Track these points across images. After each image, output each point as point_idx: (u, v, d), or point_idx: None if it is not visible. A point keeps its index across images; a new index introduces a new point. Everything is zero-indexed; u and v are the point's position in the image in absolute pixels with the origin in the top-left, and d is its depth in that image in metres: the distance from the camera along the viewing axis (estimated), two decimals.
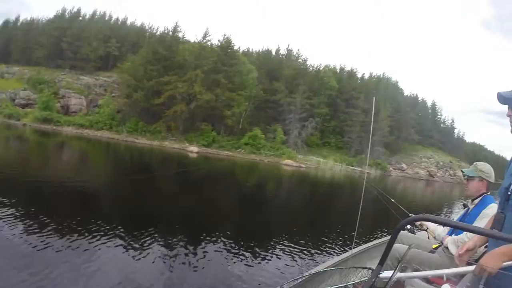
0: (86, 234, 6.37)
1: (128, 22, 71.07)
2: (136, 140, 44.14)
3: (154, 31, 67.65)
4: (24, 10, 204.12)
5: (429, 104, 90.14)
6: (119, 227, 7.09)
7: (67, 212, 7.91)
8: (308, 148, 56.07)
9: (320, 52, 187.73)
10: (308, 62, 68.74)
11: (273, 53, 67.67)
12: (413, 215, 2.29)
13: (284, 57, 66.97)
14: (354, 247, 4.70)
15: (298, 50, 79.58)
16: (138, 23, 72.58)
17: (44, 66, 55.91)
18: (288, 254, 7.22)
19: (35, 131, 38.25)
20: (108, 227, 6.91)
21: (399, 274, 1.66)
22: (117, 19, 70.11)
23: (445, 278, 1.79)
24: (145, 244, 6.35)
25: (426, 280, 2.00)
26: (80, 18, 64.67)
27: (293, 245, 7.79)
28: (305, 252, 7.57)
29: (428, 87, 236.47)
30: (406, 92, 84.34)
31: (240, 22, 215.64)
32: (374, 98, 29.65)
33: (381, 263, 1.45)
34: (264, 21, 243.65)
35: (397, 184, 45.18)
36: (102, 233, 6.55)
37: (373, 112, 17.45)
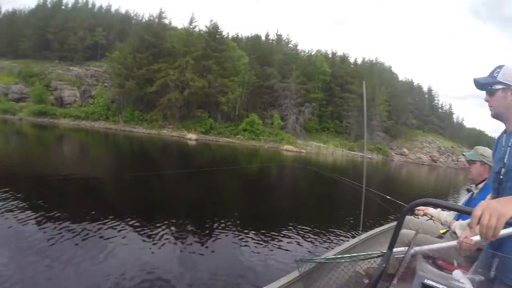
0: (97, 226, 6.71)
1: (113, 10, 71.96)
2: (134, 130, 45.89)
3: (140, 18, 69.11)
4: (4, 1, 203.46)
5: (425, 89, 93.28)
6: (129, 219, 7.44)
7: (77, 205, 8.29)
8: (307, 133, 58.28)
9: (310, 37, 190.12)
10: (298, 47, 71.34)
11: (263, 38, 69.20)
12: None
13: (274, 42, 68.76)
14: (362, 233, 4.99)
15: (288, 35, 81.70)
16: (122, 10, 73.69)
17: (32, 59, 56.72)
18: (297, 240, 7.54)
19: (32, 125, 39.07)
20: (118, 219, 7.28)
21: (409, 255, 1.69)
22: (101, 7, 71.13)
23: (455, 264, 1.90)
24: (155, 235, 6.66)
25: (437, 266, 2.05)
26: (63, 7, 65.71)
27: (301, 231, 8.15)
28: (314, 237, 7.89)
29: (422, 73, 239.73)
30: (401, 77, 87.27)
31: (227, 7, 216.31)
32: (363, 82, 31.40)
33: (391, 247, 1.49)
34: (252, 6, 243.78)
35: (401, 169, 46.82)
36: (112, 224, 6.95)
37: (364, 96, 18.67)
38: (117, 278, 4.83)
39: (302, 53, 69.47)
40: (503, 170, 1.88)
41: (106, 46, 59.15)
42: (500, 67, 1.93)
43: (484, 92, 2.01)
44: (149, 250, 5.93)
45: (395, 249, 1.86)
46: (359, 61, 76.37)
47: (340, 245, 4.69)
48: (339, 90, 64.71)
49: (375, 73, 70.33)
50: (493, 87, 1.92)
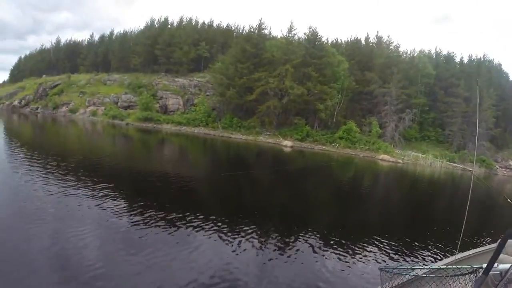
0: (188, 224, 7.19)
1: (215, 25, 75.65)
2: (232, 136, 47.17)
3: (241, 31, 71.51)
4: (116, 25, 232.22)
5: None
6: (217, 218, 7.85)
7: (171, 204, 8.89)
8: (406, 142, 54.62)
9: (412, 36, 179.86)
10: (400, 49, 67.47)
11: (363, 42, 66.88)
12: None
13: (374, 45, 66.13)
14: (457, 253, 4.72)
15: (388, 36, 78.23)
16: (224, 25, 76.88)
17: (141, 72, 62.50)
18: (384, 253, 7.32)
19: (138, 129, 42.98)
20: (207, 218, 7.74)
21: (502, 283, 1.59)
22: (204, 22, 75.42)
23: None
24: (240, 236, 6.94)
25: None
26: (169, 25, 70.67)
27: (390, 244, 7.88)
28: (403, 251, 7.62)
29: None
30: None
31: (324, 12, 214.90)
32: (477, 86, 28.29)
33: (486, 273, 1.38)
34: (351, 8, 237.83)
35: (505, 184, 42.37)
36: (202, 223, 7.39)
37: (478, 102, 16.85)
38: (200, 276, 5.11)
39: (404, 55, 65.87)
40: None
41: (209, 58, 62.43)
42: None
43: None
44: (232, 251, 6.28)
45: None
46: (465, 59, 69.54)
47: (430, 263, 4.64)
48: (443, 94, 59.39)
49: (482, 73, 63.55)
50: None
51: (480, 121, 56.07)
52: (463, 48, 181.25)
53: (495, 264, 2.03)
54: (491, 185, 39.47)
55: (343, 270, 6.05)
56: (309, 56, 51.52)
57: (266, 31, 59.05)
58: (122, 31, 79.86)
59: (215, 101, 52.53)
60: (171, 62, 61.03)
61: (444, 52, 69.46)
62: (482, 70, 64.88)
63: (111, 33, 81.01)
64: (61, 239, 6.26)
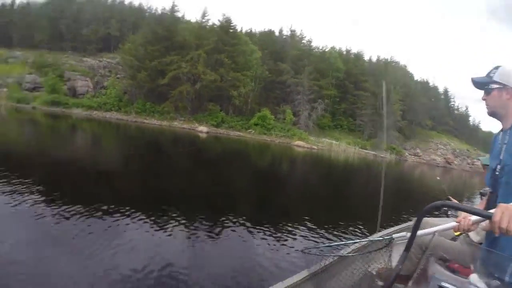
0: (109, 216, 6.70)
1: (126, 2, 71.74)
2: (145, 121, 45.89)
3: (153, 11, 68.85)
4: None
5: (441, 90, 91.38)
6: (140, 208, 7.42)
7: (89, 195, 8.23)
8: (319, 130, 57.74)
9: (324, 34, 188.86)
10: (313, 44, 70.40)
11: (276, 33, 68.86)
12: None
13: (287, 38, 68.17)
14: (377, 232, 4.77)
15: (301, 31, 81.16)
16: (136, 3, 73.34)
17: (46, 49, 56.82)
18: (308, 237, 7.38)
19: (45, 114, 39.28)
20: (129, 208, 7.27)
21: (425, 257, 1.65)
22: None
23: (472, 268, 1.84)
24: (165, 228, 6.61)
25: (451, 269, 2.02)
26: None
27: (312, 228, 7.96)
28: (325, 235, 7.75)
29: (439, 74, 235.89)
30: (416, 77, 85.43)
31: (241, 2, 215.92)
32: (384, 82, 30.56)
33: (407, 249, 1.46)
34: (267, 1, 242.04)
35: (414, 169, 46.46)
36: (123, 214, 6.94)
37: (384, 97, 18.08)
38: (126, 271, 4.71)
39: (316, 50, 68.73)
40: (498, 166, 1.91)
41: (119, 38, 59.07)
42: (496, 67, 1.96)
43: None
44: (158, 244, 5.84)
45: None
46: (374, 59, 75.25)
47: (353, 244, 4.14)
48: (353, 88, 63.79)
49: (389, 72, 69.09)
50: (489, 86, 1.96)
51: (389, 114, 60.63)
52: (372, 50, 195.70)
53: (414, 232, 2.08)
54: (403, 169, 43.11)
55: (271, 253, 6.07)
56: (222, 43, 51.74)
57: (179, 14, 58.45)
58: (25, 1, 69.00)
59: (126, 84, 50.33)
60: (78, 39, 56.86)
61: (354, 51, 74.70)
62: (389, 69, 70.36)
63: (13, 1, 68.26)
64: None
